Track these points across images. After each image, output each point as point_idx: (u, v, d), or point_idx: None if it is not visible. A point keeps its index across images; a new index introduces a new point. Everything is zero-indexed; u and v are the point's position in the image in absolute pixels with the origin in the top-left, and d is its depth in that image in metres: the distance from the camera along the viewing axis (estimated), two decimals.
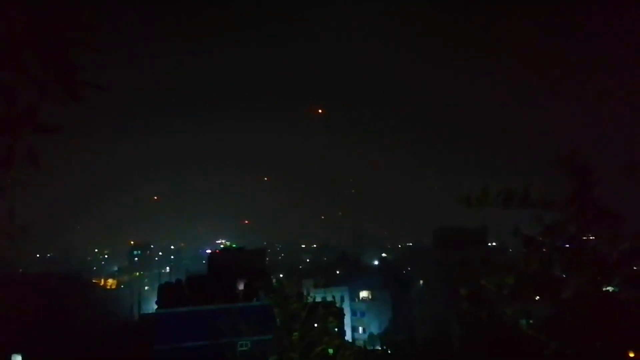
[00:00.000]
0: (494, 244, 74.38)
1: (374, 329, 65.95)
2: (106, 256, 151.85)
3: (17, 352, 45.04)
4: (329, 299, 62.46)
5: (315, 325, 24.69)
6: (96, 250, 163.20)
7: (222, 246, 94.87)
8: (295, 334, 23.53)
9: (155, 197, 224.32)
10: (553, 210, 6.19)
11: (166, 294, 34.77)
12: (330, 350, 22.00)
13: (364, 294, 71.11)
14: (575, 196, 6.08)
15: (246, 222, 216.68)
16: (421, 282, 64.19)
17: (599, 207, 5.99)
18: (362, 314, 69.11)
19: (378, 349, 52.99)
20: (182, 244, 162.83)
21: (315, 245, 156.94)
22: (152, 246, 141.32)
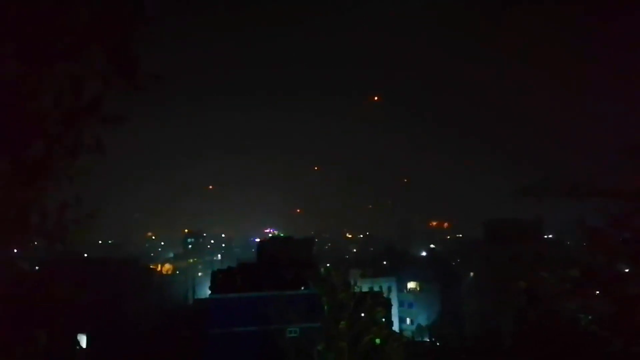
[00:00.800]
0: (550, 236, 71.09)
1: (422, 320, 65.09)
2: (162, 243, 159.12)
3: (82, 333, 48.30)
4: (376, 289, 62.26)
5: (363, 315, 24.64)
6: (153, 237, 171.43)
7: (270, 235, 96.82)
8: (343, 323, 23.61)
9: (210, 187, 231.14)
10: (622, 199, 5.77)
11: (219, 280, 36.03)
12: (378, 341, 21.96)
13: (411, 285, 70.26)
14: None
15: (298, 210, 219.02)
16: (471, 275, 62.62)
17: None
18: (410, 305, 68.38)
19: (426, 341, 52.33)
20: (233, 233, 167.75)
21: (361, 236, 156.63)
22: (204, 234, 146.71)
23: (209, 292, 35.26)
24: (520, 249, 54.07)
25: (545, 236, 68.58)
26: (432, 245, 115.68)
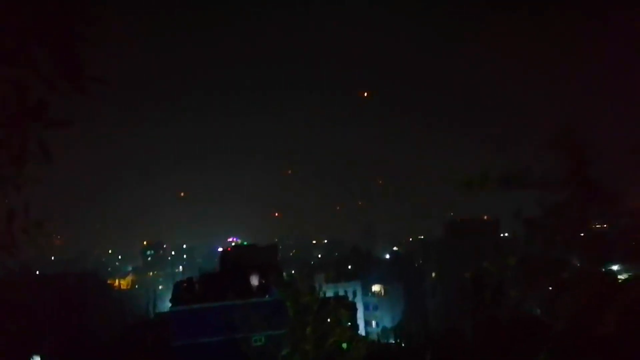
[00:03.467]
0: (506, 234, 73.85)
1: (387, 322, 66.03)
2: (119, 257, 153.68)
3: (36, 353, 45.87)
4: (342, 293, 62.65)
5: (328, 319, 24.73)
6: (110, 251, 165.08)
7: (233, 244, 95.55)
8: (309, 328, 23.63)
9: (182, 194, 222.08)
10: (551, 191, 6.18)
11: (180, 291, 35.20)
12: (345, 345, 22.14)
13: (376, 287, 71.14)
14: (571, 176, 6.07)
15: (276, 214, 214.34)
16: (433, 274, 64.16)
17: (594, 185, 5.97)
18: (375, 308, 69.21)
19: (391, 343, 53.10)
20: (196, 243, 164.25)
21: (326, 241, 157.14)
22: (164, 245, 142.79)
23: (170, 304, 34.44)
24: (478, 245, 56.09)
25: (502, 234, 71.26)
26: (395, 248, 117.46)
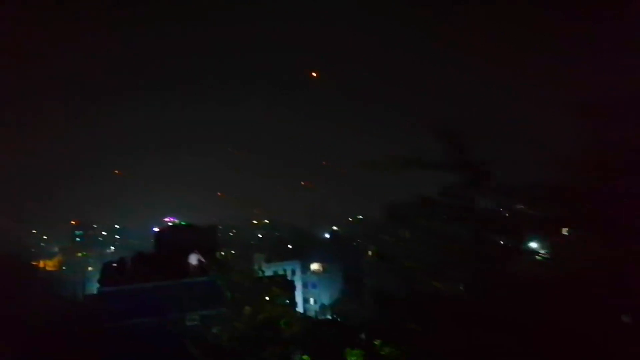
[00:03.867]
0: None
1: (325, 300, 67.53)
2: (45, 237, 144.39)
3: None
4: (281, 272, 63.07)
5: (262, 297, 24.93)
6: (34, 231, 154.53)
7: (170, 224, 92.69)
8: (247, 307, 23.67)
9: (117, 172, 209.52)
10: (445, 171, 6.85)
11: (109, 272, 33.77)
12: (282, 323, 22.39)
13: (315, 266, 72.33)
14: (454, 158, 6.74)
15: (219, 194, 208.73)
16: (370, 253, 66.10)
17: (475, 165, 6.69)
18: (314, 286, 70.47)
19: (328, 318, 54.46)
20: (130, 223, 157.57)
21: (267, 221, 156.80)
22: (95, 226, 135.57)
23: (99, 285, 32.97)
24: (413, 226, 58.28)
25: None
26: (334, 227, 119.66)
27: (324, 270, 71.72)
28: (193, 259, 33.69)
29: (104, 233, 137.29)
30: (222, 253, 40.78)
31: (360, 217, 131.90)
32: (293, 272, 68.08)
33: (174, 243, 40.62)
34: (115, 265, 35.71)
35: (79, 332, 35.35)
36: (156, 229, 67.94)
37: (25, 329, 44.75)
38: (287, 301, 36.47)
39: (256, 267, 39.94)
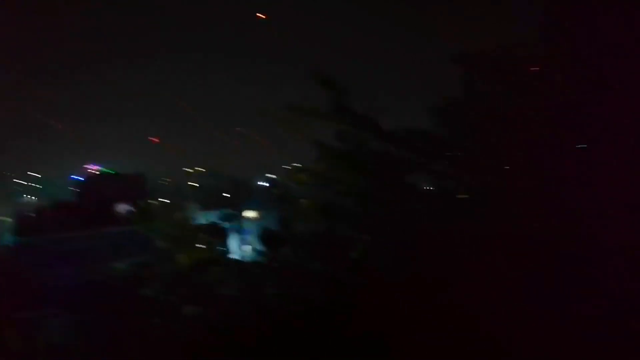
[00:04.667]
0: None
1: (259, 246, 68.44)
2: None
3: None
4: (214, 220, 62.58)
5: (197, 245, 24.69)
6: None
7: (93, 172, 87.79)
8: (177, 255, 23.34)
9: (35, 113, 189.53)
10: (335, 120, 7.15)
11: (26, 223, 31.70)
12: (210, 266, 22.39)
13: (250, 214, 72.50)
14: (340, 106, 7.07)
15: (155, 140, 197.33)
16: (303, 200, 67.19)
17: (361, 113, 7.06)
18: (248, 233, 70.92)
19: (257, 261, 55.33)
20: (52, 172, 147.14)
21: (204, 170, 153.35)
22: (9, 174, 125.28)
23: (14, 237, 30.97)
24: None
25: None
26: (272, 175, 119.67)
27: (260, 216, 72.16)
28: (119, 209, 32.39)
29: (22, 182, 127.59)
30: (150, 202, 39.59)
31: (298, 165, 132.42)
32: (228, 219, 67.97)
33: (97, 193, 38.70)
34: (32, 215, 33.56)
35: None
36: (78, 178, 64.30)
37: None
38: (220, 248, 36.53)
39: (188, 215, 39.23)
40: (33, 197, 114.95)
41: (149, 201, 40.06)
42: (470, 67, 7.62)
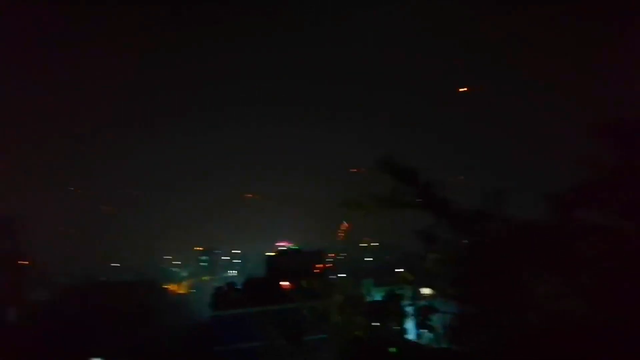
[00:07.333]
0: None
1: (440, 327, 63.40)
2: (173, 262, 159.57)
3: (97, 356, 48.16)
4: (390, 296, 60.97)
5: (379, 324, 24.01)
6: (165, 257, 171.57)
7: (284, 249, 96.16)
8: (355, 332, 23.09)
9: (250, 195, 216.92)
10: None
11: (220, 297, 35.74)
12: (392, 350, 21.35)
13: (426, 291, 68.86)
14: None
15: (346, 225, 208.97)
16: None
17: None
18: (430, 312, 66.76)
19: (444, 347, 50.50)
20: (248, 249, 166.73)
21: (377, 244, 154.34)
22: (216, 251, 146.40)
23: (212, 310, 35.00)
24: None
25: None
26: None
27: (437, 295, 67.83)
28: (294, 284, 34.24)
29: (225, 258, 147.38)
30: (330, 277, 40.77)
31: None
32: (402, 297, 65.57)
33: (280, 268, 41.84)
34: (227, 290, 37.76)
35: (195, 353, 37.63)
36: (268, 254, 71.09)
37: (159, 344, 49.29)
38: (398, 327, 34.92)
39: (364, 291, 39.18)
40: (234, 272, 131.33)
41: (329, 277, 41.36)
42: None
